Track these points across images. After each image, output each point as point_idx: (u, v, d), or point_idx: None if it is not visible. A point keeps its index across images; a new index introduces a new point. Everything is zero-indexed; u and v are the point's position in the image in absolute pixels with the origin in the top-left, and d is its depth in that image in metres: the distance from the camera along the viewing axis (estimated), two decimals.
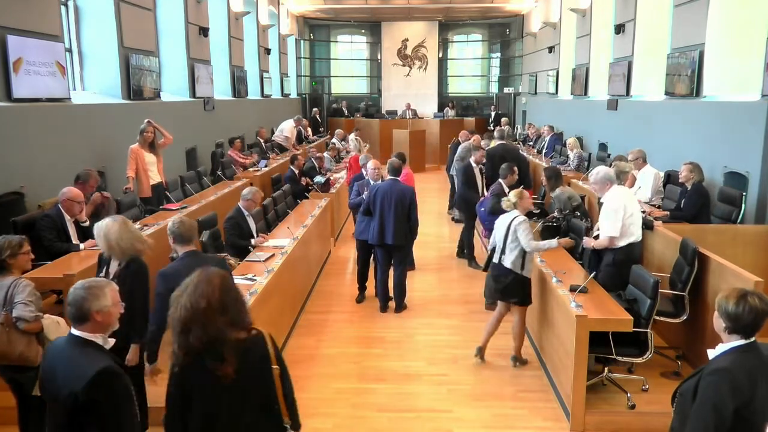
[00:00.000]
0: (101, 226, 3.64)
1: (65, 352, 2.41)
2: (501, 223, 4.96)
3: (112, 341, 2.53)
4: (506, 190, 6.33)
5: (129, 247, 3.61)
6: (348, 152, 13.70)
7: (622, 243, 4.85)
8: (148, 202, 7.14)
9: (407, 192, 6.12)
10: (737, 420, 2.26)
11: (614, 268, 4.83)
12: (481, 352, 5.14)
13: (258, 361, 2.34)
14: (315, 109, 19.05)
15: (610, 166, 6.58)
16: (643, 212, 6.05)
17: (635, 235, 4.90)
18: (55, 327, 3.45)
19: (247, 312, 2.41)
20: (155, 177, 7.32)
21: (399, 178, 6.28)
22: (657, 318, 4.62)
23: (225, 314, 2.30)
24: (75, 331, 2.43)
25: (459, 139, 10.78)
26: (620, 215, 4.79)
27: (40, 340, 3.46)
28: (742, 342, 2.35)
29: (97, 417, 2.28)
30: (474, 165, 7.66)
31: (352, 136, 14.72)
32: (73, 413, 2.29)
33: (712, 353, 2.42)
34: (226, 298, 2.33)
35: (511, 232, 4.80)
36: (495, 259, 4.98)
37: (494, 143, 9.55)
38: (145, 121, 7.28)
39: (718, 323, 2.40)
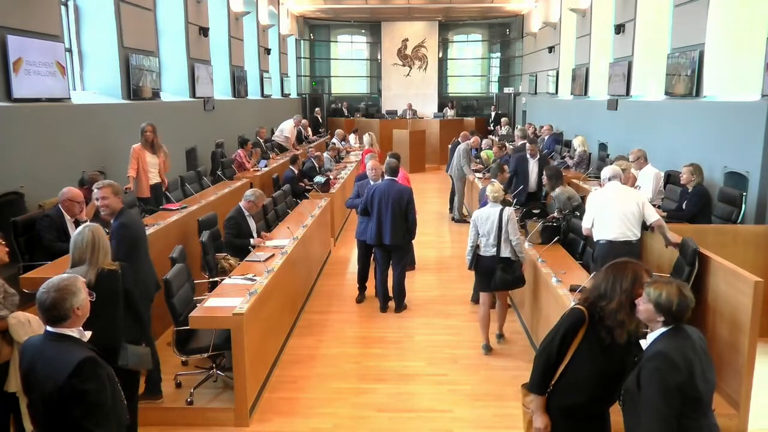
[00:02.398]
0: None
1: (44, 349, 2.45)
2: (490, 218, 5.20)
3: (88, 333, 2.55)
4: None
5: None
6: (348, 152, 13.71)
7: (596, 237, 5.04)
8: (146, 203, 7.14)
9: (404, 192, 6.12)
10: (683, 398, 2.34)
11: (594, 264, 4.92)
12: (488, 347, 5.37)
13: None
14: (317, 109, 19.04)
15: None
16: None
17: (604, 233, 4.95)
18: (22, 326, 3.29)
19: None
20: (155, 178, 7.32)
21: (396, 179, 6.29)
22: None
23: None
24: (51, 329, 2.47)
25: (459, 139, 10.79)
26: (591, 209, 5.09)
27: (6, 338, 3.31)
28: (671, 326, 2.45)
29: (81, 406, 2.32)
30: (529, 158, 7.88)
31: (351, 137, 14.73)
32: (58, 404, 2.33)
33: (645, 343, 2.51)
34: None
35: (504, 224, 5.13)
36: (488, 253, 5.23)
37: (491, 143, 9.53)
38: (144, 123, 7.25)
39: (653, 316, 2.45)
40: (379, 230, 6.09)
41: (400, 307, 6.29)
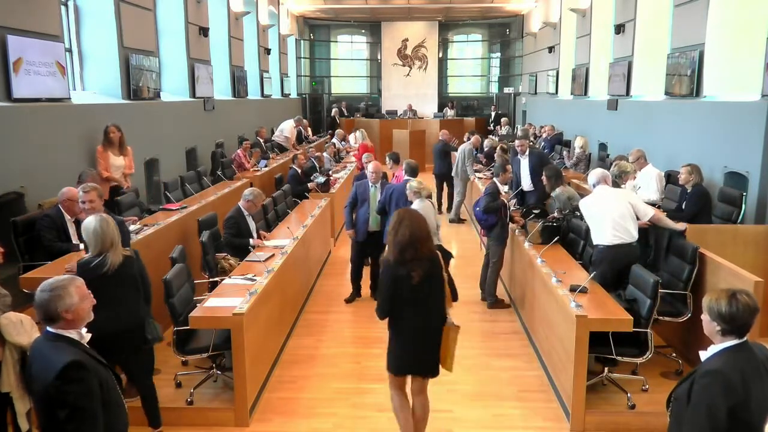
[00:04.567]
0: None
1: (41, 348, 2.48)
2: (424, 212, 5.34)
3: (88, 336, 2.57)
4: (500, 188, 6.33)
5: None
6: (348, 152, 13.70)
7: (594, 242, 5.05)
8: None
9: None
10: (733, 421, 2.25)
11: (591, 267, 4.88)
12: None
13: (431, 271, 3.56)
14: (334, 110, 18.87)
15: (611, 166, 6.60)
16: None
17: (600, 238, 4.96)
18: (14, 326, 3.25)
19: (432, 242, 3.68)
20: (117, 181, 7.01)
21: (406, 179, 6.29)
22: (661, 318, 4.65)
23: (423, 242, 3.54)
24: (50, 328, 2.50)
25: (441, 137, 11.05)
26: (585, 215, 5.14)
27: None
28: (734, 342, 2.35)
29: (64, 409, 2.32)
30: (519, 156, 7.92)
31: (351, 137, 14.73)
32: (47, 406, 2.34)
33: (704, 355, 2.42)
34: (422, 233, 3.56)
35: (434, 216, 5.70)
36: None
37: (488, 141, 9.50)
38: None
39: (711, 326, 2.38)
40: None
41: None
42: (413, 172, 6.32)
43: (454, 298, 4.32)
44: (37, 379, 2.39)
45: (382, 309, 3.58)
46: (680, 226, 5.22)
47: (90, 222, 3.69)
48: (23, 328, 3.23)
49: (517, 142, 8.03)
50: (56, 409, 2.33)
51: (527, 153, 7.93)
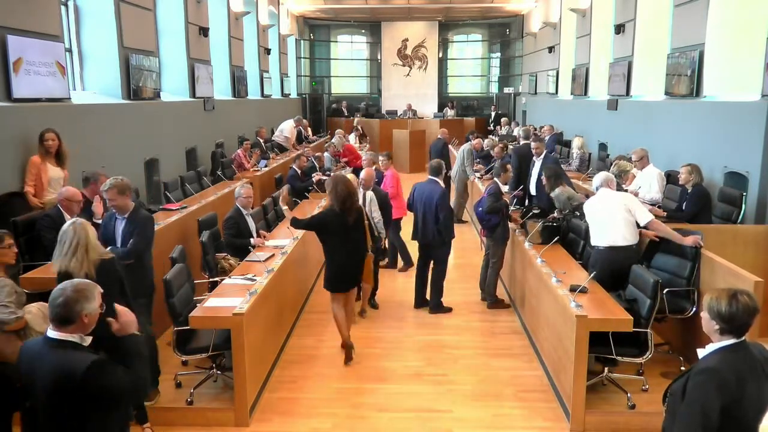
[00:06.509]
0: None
1: (44, 355, 2.36)
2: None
3: (89, 339, 2.47)
4: (502, 188, 6.33)
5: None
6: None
7: (592, 243, 5.08)
8: None
9: (435, 193, 6.16)
10: (727, 418, 2.27)
11: (590, 269, 4.86)
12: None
13: (360, 217, 5.16)
14: (357, 119, 18.29)
15: (611, 165, 6.60)
16: None
17: (599, 240, 4.99)
18: (37, 318, 3.33)
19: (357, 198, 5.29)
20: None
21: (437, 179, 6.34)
22: (669, 316, 4.70)
23: (354, 196, 5.08)
24: (52, 333, 2.37)
25: (440, 135, 11.04)
26: (588, 216, 5.18)
27: (23, 335, 3.35)
28: (732, 341, 2.37)
29: (94, 401, 2.31)
30: (534, 157, 7.66)
31: (351, 137, 14.73)
32: (63, 406, 2.30)
33: (701, 352, 2.44)
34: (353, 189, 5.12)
35: (369, 205, 6.30)
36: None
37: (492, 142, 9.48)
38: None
39: (710, 325, 2.40)
40: (415, 227, 6.34)
41: (433, 308, 6.22)
42: (437, 171, 6.38)
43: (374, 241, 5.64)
44: (55, 385, 2.31)
45: (301, 225, 5.21)
46: (689, 240, 4.84)
47: (65, 226, 3.65)
48: (44, 318, 3.26)
49: (533, 144, 7.73)
50: (83, 402, 2.30)
51: (542, 156, 7.52)
